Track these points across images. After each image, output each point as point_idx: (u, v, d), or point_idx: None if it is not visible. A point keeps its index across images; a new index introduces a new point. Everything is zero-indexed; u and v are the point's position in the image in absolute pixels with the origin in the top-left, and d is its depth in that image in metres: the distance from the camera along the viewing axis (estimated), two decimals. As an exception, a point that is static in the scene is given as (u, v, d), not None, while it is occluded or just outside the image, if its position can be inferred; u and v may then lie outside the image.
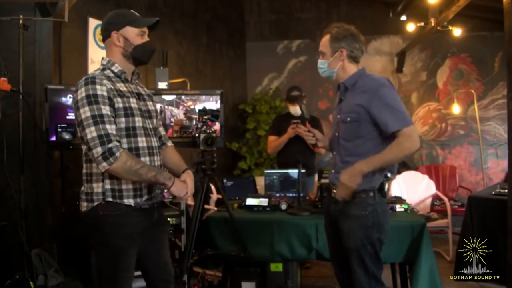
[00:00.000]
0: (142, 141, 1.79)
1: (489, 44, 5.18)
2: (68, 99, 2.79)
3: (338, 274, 2.18)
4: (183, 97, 3.17)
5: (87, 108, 1.65)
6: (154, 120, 1.93)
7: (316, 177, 3.48)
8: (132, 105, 1.78)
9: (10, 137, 2.64)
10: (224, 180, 3.28)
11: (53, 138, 2.73)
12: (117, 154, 1.63)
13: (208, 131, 2.64)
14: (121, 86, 1.78)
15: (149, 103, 1.92)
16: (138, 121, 1.78)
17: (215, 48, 5.26)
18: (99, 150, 1.62)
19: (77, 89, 1.70)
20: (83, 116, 1.65)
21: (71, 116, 2.80)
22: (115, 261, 1.75)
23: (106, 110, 1.67)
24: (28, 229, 2.64)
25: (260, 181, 3.50)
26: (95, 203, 1.73)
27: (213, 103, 3.17)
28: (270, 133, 3.74)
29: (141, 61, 1.85)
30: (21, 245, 2.57)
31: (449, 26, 4.22)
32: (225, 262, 2.80)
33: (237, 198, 3.07)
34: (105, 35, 1.81)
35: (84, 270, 2.85)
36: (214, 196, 3.62)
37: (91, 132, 1.64)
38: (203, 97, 3.19)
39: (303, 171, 2.98)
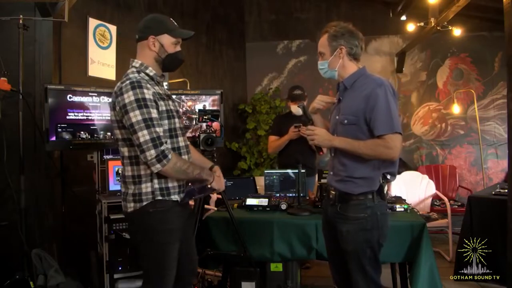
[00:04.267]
0: (181, 141, 1.89)
1: (489, 44, 5.18)
2: (68, 99, 2.79)
3: (336, 276, 2.15)
4: (183, 97, 3.17)
5: (137, 112, 1.70)
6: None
7: (316, 177, 3.48)
8: (171, 107, 1.86)
9: (10, 137, 2.64)
10: (224, 180, 3.27)
11: (53, 138, 2.73)
12: (169, 156, 1.72)
13: (208, 131, 2.64)
14: (158, 89, 1.84)
15: (175, 103, 2.00)
16: (176, 122, 1.87)
17: (215, 48, 5.26)
18: (152, 152, 1.69)
19: (121, 92, 1.74)
20: (133, 120, 1.70)
21: (71, 116, 2.80)
22: (163, 257, 1.80)
23: (154, 113, 1.74)
24: (28, 229, 2.64)
25: (260, 181, 3.49)
26: (144, 203, 1.78)
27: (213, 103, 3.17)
28: (271, 133, 3.74)
29: (169, 69, 1.94)
30: (21, 245, 2.57)
31: (449, 26, 4.21)
32: (225, 262, 2.79)
33: (237, 198, 3.07)
34: (141, 36, 1.85)
35: (84, 270, 2.85)
36: (214, 196, 3.62)
37: (144, 136, 1.69)
38: (203, 97, 3.19)
39: (303, 171, 2.98)
